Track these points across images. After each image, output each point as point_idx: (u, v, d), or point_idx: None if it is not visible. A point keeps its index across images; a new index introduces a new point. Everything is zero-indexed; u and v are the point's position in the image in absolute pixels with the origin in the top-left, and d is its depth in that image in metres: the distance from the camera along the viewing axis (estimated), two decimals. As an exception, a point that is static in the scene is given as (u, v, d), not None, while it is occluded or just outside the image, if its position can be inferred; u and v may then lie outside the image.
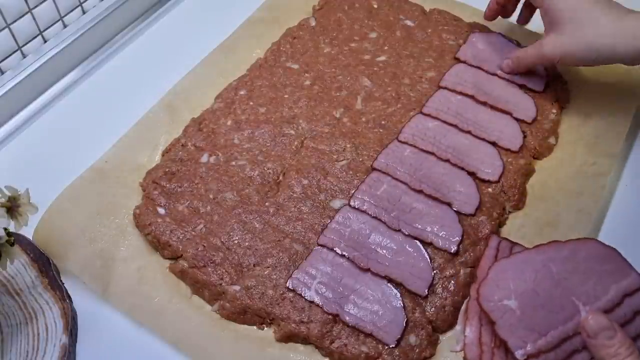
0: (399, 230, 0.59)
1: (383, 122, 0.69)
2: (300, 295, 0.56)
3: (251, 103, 0.71)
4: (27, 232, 0.58)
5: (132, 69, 0.79)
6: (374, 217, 0.60)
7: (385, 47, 0.78)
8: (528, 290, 0.51)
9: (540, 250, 0.53)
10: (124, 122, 0.70)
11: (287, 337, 0.55)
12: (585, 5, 0.62)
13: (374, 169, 0.64)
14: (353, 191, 0.62)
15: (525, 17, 0.76)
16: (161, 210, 0.61)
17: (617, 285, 0.50)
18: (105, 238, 0.60)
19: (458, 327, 0.55)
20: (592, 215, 0.61)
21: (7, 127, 0.74)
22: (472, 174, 0.64)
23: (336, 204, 0.62)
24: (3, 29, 0.72)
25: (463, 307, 0.55)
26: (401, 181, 0.63)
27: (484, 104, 0.70)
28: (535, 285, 0.51)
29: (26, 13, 0.74)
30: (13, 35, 0.74)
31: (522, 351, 0.48)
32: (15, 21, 0.73)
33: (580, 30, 0.62)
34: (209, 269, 0.57)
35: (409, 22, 0.81)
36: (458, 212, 0.61)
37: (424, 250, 0.58)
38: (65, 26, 0.80)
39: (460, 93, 0.71)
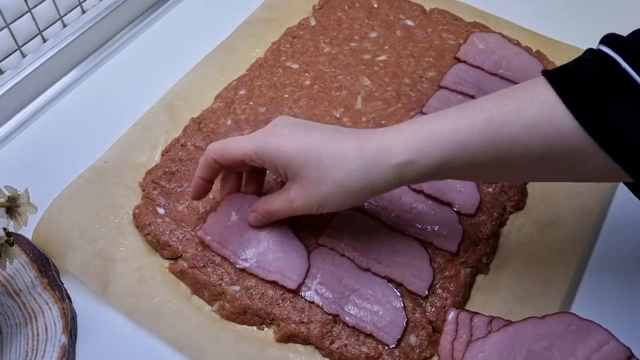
0: (399, 230, 0.59)
1: (383, 122, 0.69)
2: (300, 295, 0.56)
3: (251, 103, 0.71)
4: (27, 232, 0.58)
5: (132, 68, 0.79)
6: (374, 217, 0.60)
7: (386, 47, 0.78)
8: None
9: (517, 327, 0.51)
10: (124, 122, 0.70)
11: (287, 338, 0.55)
12: (317, 145, 0.50)
13: (374, 169, 0.64)
14: (353, 191, 0.62)
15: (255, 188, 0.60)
16: (161, 210, 0.61)
17: (596, 357, 0.48)
18: (105, 238, 0.60)
19: None
20: (592, 215, 0.61)
21: (6, 127, 0.73)
22: (472, 174, 0.64)
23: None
24: (2, 28, 0.72)
25: None
26: (401, 181, 0.63)
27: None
28: None
29: (25, 13, 0.74)
30: (12, 35, 0.74)
31: None
32: (14, 21, 0.73)
33: (327, 175, 0.50)
34: (209, 269, 0.57)
35: (409, 22, 0.81)
36: (458, 212, 0.61)
37: (424, 251, 0.58)
38: (64, 26, 0.80)
39: (461, 93, 0.71)
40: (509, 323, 0.51)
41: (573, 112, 0.43)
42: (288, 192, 0.53)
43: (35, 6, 0.75)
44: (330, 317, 0.54)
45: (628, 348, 0.48)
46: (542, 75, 0.46)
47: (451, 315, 0.53)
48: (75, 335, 0.56)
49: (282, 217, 0.56)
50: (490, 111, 0.46)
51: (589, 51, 0.46)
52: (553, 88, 0.44)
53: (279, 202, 0.54)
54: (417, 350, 0.53)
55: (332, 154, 0.49)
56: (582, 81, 0.44)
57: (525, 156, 0.45)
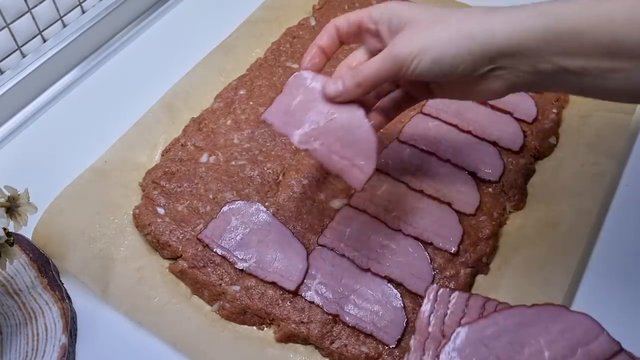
0: (399, 230, 0.59)
1: (383, 122, 0.69)
2: (300, 295, 0.56)
3: (251, 103, 0.71)
4: (27, 232, 0.58)
5: (132, 68, 0.79)
6: (374, 217, 0.60)
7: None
8: (490, 358, 0.48)
9: (505, 313, 0.50)
10: (124, 122, 0.70)
11: (287, 338, 0.55)
12: (438, 8, 0.47)
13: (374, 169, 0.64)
14: (353, 191, 0.62)
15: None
16: (161, 210, 0.61)
17: (586, 348, 0.47)
18: (105, 238, 0.60)
19: None
20: (592, 215, 0.61)
21: (6, 127, 0.73)
22: (472, 174, 0.64)
23: (336, 204, 0.61)
24: (2, 28, 0.72)
25: (405, 358, 0.51)
26: (401, 181, 0.63)
27: (485, 103, 0.70)
28: (498, 352, 0.48)
29: (25, 13, 0.74)
30: (12, 35, 0.74)
31: None
32: (14, 21, 0.73)
33: (442, 22, 0.46)
34: (209, 269, 0.57)
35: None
36: (458, 212, 0.61)
37: (424, 250, 0.58)
38: (64, 26, 0.80)
39: (461, 93, 0.71)
40: (500, 308, 0.51)
41: None
42: (389, 46, 0.47)
43: (35, 6, 0.75)
44: (330, 317, 0.54)
45: (617, 342, 0.48)
46: None
47: (430, 291, 0.52)
48: (75, 335, 0.56)
49: (366, 83, 0.48)
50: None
51: None
52: None
53: (374, 61, 0.48)
54: (417, 350, 0.53)
55: (453, 11, 0.46)
56: None
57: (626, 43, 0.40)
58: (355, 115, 0.50)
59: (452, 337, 0.48)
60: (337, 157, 0.49)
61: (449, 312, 0.51)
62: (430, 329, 0.50)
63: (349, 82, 0.49)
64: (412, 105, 0.56)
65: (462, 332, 0.49)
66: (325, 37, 0.53)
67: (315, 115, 0.50)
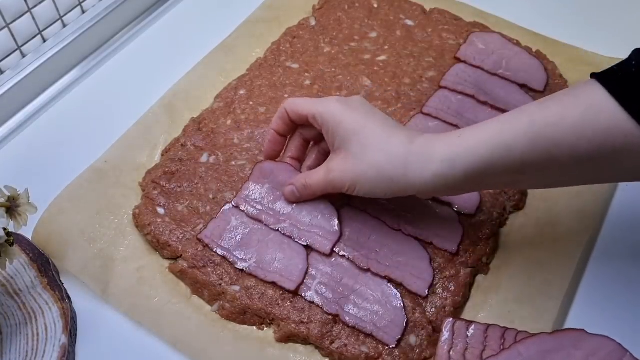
0: (399, 230, 0.59)
1: (383, 122, 0.69)
2: (300, 295, 0.56)
3: (251, 103, 0.71)
4: (27, 232, 0.58)
5: (132, 68, 0.79)
6: (374, 217, 0.60)
7: (386, 47, 0.78)
8: None
9: (527, 343, 0.50)
10: (124, 122, 0.70)
11: (287, 338, 0.55)
12: (372, 127, 0.52)
13: (374, 169, 0.64)
14: (353, 191, 0.62)
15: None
16: (161, 210, 0.61)
17: None
18: (105, 238, 0.60)
19: None
20: (592, 215, 0.61)
21: (6, 127, 0.73)
22: (472, 174, 0.64)
23: (336, 203, 0.61)
24: (2, 28, 0.72)
25: None
26: (401, 181, 0.63)
27: (485, 103, 0.70)
28: None
29: (25, 12, 0.74)
30: (12, 35, 0.74)
31: None
32: (14, 21, 0.73)
33: (369, 154, 0.52)
34: (209, 269, 0.57)
35: (409, 22, 0.81)
36: (458, 212, 0.61)
37: (424, 251, 0.58)
38: (64, 26, 0.80)
39: (461, 93, 0.71)
40: (520, 338, 0.50)
41: (625, 106, 0.43)
42: (328, 164, 0.55)
43: (35, 6, 0.75)
44: (330, 317, 0.54)
45: (625, 350, 0.48)
46: (591, 78, 0.47)
47: (446, 324, 0.53)
48: (75, 335, 0.56)
49: (315, 193, 0.57)
50: (532, 115, 0.47)
51: (636, 52, 0.47)
52: (603, 86, 0.44)
53: (317, 175, 0.56)
54: (417, 350, 0.53)
55: (380, 138, 0.52)
56: (632, 78, 0.44)
57: (572, 157, 0.45)
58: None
59: None
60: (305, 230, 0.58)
61: (469, 345, 0.51)
62: None
63: (302, 192, 0.58)
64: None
65: None
66: (279, 122, 0.59)
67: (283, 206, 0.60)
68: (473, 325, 0.52)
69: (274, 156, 0.61)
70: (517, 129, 0.47)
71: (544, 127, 0.46)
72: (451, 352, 0.51)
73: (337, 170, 0.54)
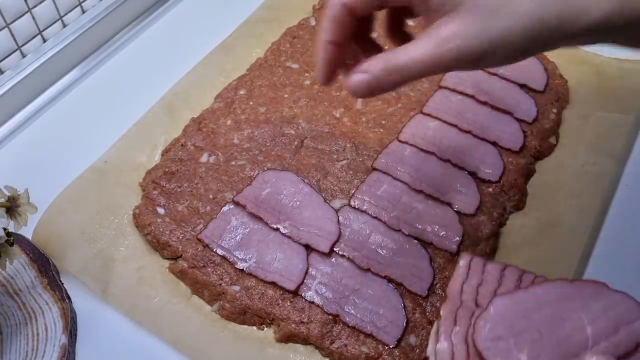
0: (399, 230, 0.59)
1: (383, 122, 0.69)
2: (300, 295, 0.56)
3: (251, 103, 0.71)
4: (27, 232, 0.58)
5: (132, 68, 0.79)
6: (374, 217, 0.60)
7: (386, 47, 0.77)
8: (530, 330, 0.46)
9: (546, 286, 0.48)
10: (124, 122, 0.70)
11: (287, 338, 0.55)
12: None
13: (374, 169, 0.64)
14: (353, 191, 0.62)
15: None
16: (161, 210, 0.61)
17: (629, 328, 0.45)
18: (105, 238, 0.60)
19: (430, 346, 0.49)
20: (592, 215, 0.61)
21: (6, 127, 0.73)
22: (472, 174, 0.64)
23: (336, 204, 0.62)
24: (2, 28, 0.72)
25: (434, 329, 0.50)
26: (401, 181, 0.63)
27: (485, 103, 0.70)
28: (537, 325, 0.46)
29: (25, 12, 0.74)
30: (12, 35, 0.74)
31: None
32: (14, 21, 0.73)
33: (514, 3, 0.36)
34: (209, 269, 0.57)
35: (409, 22, 0.80)
36: (458, 212, 0.61)
37: (424, 250, 0.58)
38: (64, 26, 0.80)
39: (461, 93, 0.71)
40: (538, 281, 0.48)
41: None
42: (438, 30, 0.37)
43: (35, 6, 0.75)
44: (330, 317, 0.54)
45: None
46: None
47: (464, 258, 0.50)
48: (75, 335, 0.56)
49: (406, 77, 0.39)
50: None
51: None
52: None
53: (417, 49, 0.38)
54: (417, 350, 0.53)
55: None
56: None
57: None
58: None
59: (490, 307, 0.46)
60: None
61: (482, 282, 0.49)
62: (463, 297, 0.48)
63: (384, 79, 0.39)
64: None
65: (500, 302, 0.46)
66: (332, 26, 0.41)
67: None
68: (490, 264, 0.50)
69: (332, 79, 0.43)
70: None
71: None
72: (464, 286, 0.49)
73: (460, 36, 0.36)
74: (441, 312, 0.48)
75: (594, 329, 0.45)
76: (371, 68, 0.39)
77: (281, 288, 0.56)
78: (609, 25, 0.36)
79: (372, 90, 0.40)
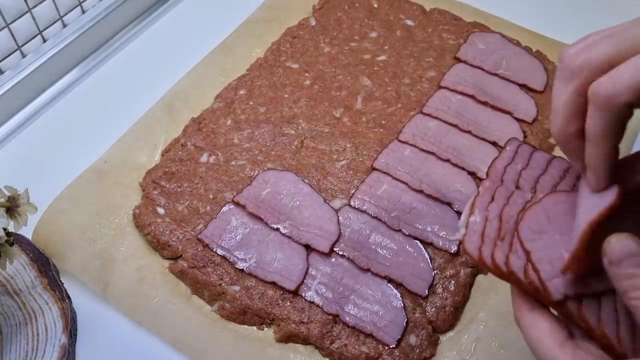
0: (399, 230, 0.59)
1: (383, 122, 0.69)
2: (300, 295, 0.56)
3: (251, 103, 0.71)
4: (27, 232, 0.58)
5: (132, 68, 0.79)
6: (374, 217, 0.60)
7: (386, 47, 0.78)
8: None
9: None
10: (124, 122, 0.70)
11: (287, 338, 0.55)
12: None
13: (374, 169, 0.64)
14: (353, 191, 0.62)
15: None
16: (161, 210, 0.61)
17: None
18: (105, 238, 0.60)
19: (462, 217, 0.48)
20: (592, 215, 0.61)
21: (6, 127, 0.73)
22: (472, 174, 0.64)
23: (336, 204, 0.62)
24: (2, 28, 0.72)
25: (469, 202, 0.48)
26: (401, 181, 0.63)
27: (485, 103, 0.70)
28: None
29: (25, 13, 0.74)
30: (12, 35, 0.74)
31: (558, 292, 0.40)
32: (14, 21, 0.73)
33: None
34: (209, 269, 0.57)
35: (409, 22, 0.81)
36: (458, 212, 0.61)
37: (424, 251, 0.58)
38: (64, 26, 0.80)
39: (461, 93, 0.71)
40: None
41: None
42: None
43: (35, 6, 0.75)
44: (330, 317, 0.54)
45: None
46: None
47: (511, 142, 0.48)
48: (75, 335, 0.56)
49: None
50: None
51: None
52: None
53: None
54: (417, 350, 0.53)
55: None
56: None
57: None
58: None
59: (542, 200, 0.44)
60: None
61: (528, 166, 0.47)
62: (504, 177, 0.47)
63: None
64: None
65: (552, 198, 0.44)
66: (575, 113, 0.35)
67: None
68: (539, 152, 0.48)
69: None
70: None
71: None
72: (507, 167, 0.48)
73: None
74: (479, 188, 0.47)
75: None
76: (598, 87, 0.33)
77: (281, 288, 0.56)
78: None
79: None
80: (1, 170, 0.68)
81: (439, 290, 0.56)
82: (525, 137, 0.67)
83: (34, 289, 0.56)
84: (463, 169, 0.64)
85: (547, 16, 0.84)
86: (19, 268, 0.57)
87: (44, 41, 0.78)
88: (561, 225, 0.43)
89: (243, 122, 0.69)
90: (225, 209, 0.61)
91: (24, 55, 0.76)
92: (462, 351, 0.54)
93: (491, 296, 0.57)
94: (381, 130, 0.68)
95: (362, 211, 0.61)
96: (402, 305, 0.55)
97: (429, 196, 0.62)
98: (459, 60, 0.75)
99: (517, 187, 0.47)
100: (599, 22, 0.86)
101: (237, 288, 0.56)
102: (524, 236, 0.44)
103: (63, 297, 0.56)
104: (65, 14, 0.79)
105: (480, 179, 0.63)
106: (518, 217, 0.45)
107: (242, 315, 0.56)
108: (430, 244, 0.59)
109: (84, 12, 0.82)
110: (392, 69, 0.74)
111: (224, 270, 0.57)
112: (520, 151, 0.49)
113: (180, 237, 0.59)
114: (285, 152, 0.66)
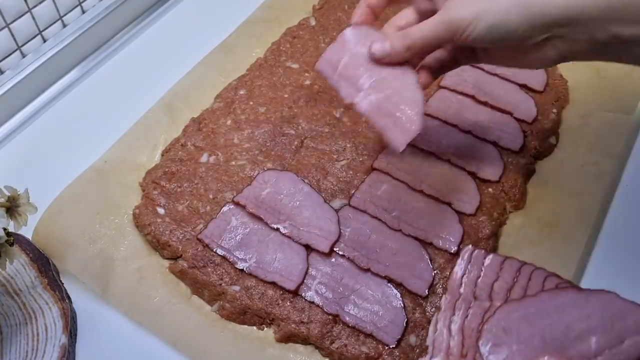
0: (399, 230, 0.59)
1: (383, 122, 0.69)
2: (300, 295, 0.56)
3: (251, 103, 0.71)
4: (27, 232, 0.58)
5: (132, 68, 0.79)
6: (374, 217, 0.60)
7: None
8: (534, 337, 0.46)
9: (553, 295, 0.48)
10: (124, 122, 0.70)
11: (287, 338, 0.55)
12: None
13: (374, 169, 0.64)
14: (353, 191, 0.62)
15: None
16: (161, 210, 0.61)
17: (634, 339, 0.45)
18: (105, 238, 0.60)
19: (429, 336, 0.50)
20: (592, 215, 0.61)
21: (6, 127, 0.74)
22: (472, 174, 0.64)
23: (336, 204, 0.62)
24: (2, 28, 0.72)
25: (434, 319, 0.51)
26: (401, 181, 0.63)
27: (485, 103, 0.70)
28: (542, 332, 0.46)
29: (25, 13, 0.74)
30: (12, 35, 0.74)
31: None
32: (14, 21, 0.73)
33: None
34: (209, 269, 0.57)
35: None
36: (458, 212, 0.61)
37: (424, 250, 0.58)
38: (64, 26, 0.80)
39: (461, 93, 0.71)
40: (546, 283, 0.49)
41: None
42: (443, 10, 0.46)
43: (35, 6, 0.75)
44: (330, 317, 0.54)
45: None
46: None
47: (465, 251, 0.52)
48: (75, 335, 0.56)
49: (416, 43, 0.47)
50: None
51: None
52: None
53: (425, 23, 0.47)
54: (417, 350, 0.53)
55: None
56: None
57: None
58: (406, 77, 0.49)
59: (495, 313, 0.47)
60: (382, 115, 0.49)
61: (482, 274, 0.50)
62: (462, 290, 0.49)
63: (397, 45, 0.48)
64: (455, 68, 0.54)
65: (506, 309, 0.47)
66: None
67: (366, 72, 0.50)
68: (491, 256, 0.51)
69: (363, 21, 0.53)
70: None
71: None
72: (463, 278, 0.50)
73: (457, 5, 0.45)
74: (441, 303, 0.50)
75: (598, 338, 0.45)
76: (390, 37, 0.48)
77: (281, 288, 0.56)
78: (583, 14, 0.42)
79: (386, 54, 0.48)
80: (1, 170, 0.68)
81: (439, 290, 0.56)
82: (525, 137, 0.67)
83: (34, 289, 0.56)
84: (463, 169, 0.64)
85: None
86: (19, 268, 0.57)
87: (44, 41, 0.78)
88: (517, 334, 0.46)
89: (243, 122, 0.69)
90: (225, 209, 0.61)
91: (24, 55, 0.76)
92: (462, 351, 0.54)
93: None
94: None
95: (362, 211, 0.61)
96: (402, 305, 0.55)
97: (429, 196, 0.62)
98: (459, 60, 0.75)
99: (475, 298, 0.49)
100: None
101: (237, 288, 0.56)
102: (483, 351, 0.46)
103: (63, 297, 0.56)
104: (65, 14, 0.79)
105: (481, 179, 0.63)
106: (479, 328, 0.47)
107: (242, 315, 0.56)
108: (430, 244, 0.59)
109: (84, 12, 0.82)
110: (392, 69, 0.74)
111: (224, 270, 0.57)
112: (474, 259, 0.52)
113: (180, 237, 0.59)
114: (285, 152, 0.66)
